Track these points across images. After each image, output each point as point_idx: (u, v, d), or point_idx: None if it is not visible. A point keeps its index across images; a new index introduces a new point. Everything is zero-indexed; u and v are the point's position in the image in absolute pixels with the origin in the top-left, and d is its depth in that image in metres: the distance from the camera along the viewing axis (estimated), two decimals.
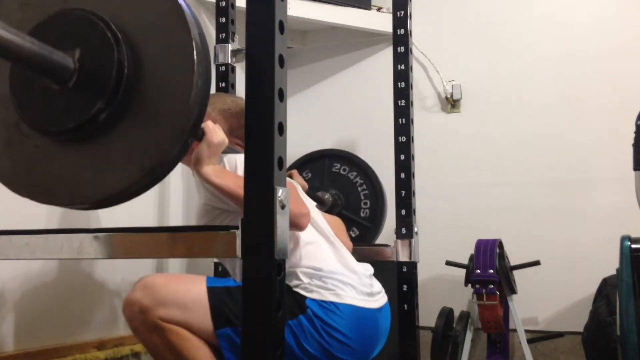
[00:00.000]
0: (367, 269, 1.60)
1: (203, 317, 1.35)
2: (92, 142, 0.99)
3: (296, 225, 1.37)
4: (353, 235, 2.53)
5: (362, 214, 2.56)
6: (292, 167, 2.65)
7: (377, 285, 1.58)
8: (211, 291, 1.37)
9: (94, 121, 0.96)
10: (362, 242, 2.37)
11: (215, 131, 1.34)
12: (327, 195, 2.54)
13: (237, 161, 1.47)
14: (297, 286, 1.44)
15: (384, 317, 1.56)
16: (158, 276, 1.44)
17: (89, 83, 0.96)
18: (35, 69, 0.97)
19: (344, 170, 2.60)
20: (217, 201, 1.48)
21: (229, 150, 1.44)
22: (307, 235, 1.48)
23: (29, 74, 1.01)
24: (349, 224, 2.22)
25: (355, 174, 2.59)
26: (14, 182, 1.07)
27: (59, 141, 1.01)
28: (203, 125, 1.33)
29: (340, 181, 2.61)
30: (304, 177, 2.58)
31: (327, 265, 1.48)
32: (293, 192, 1.35)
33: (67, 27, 0.99)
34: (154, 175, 0.99)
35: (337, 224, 1.85)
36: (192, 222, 2.68)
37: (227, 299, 1.37)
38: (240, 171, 1.44)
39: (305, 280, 1.44)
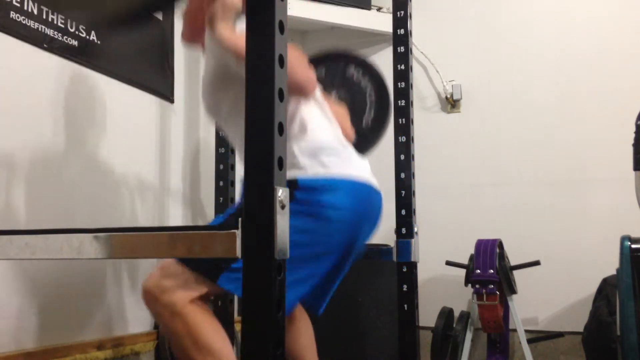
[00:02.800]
0: (363, 159, 1.60)
1: (202, 280, 1.36)
2: None
3: (302, 89, 1.38)
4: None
5: (363, 124, 2.53)
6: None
7: (372, 177, 1.57)
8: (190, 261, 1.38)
9: None
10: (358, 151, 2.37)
11: None
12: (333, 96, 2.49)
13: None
14: (290, 163, 1.41)
15: (376, 196, 1.55)
16: (170, 260, 1.46)
17: None
18: None
19: (357, 77, 2.57)
20: (225, 66, 1.48)
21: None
22: (307, 109, 1.48)
23: None
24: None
25: (367, 79, 2.55)
26: None
27: None
28: None
29: (349, 86, 2.57)
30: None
31: (323, 140, 1.47)
32: (299, 57, 1.38)
33: None
34: None
35: (341, 112, 1.83)
36: (192, 222, 2.69)
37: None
38: None
39: (300, 157, 1.42)
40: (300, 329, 1.70)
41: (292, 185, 1.37)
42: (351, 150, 1.55)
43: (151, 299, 1.39)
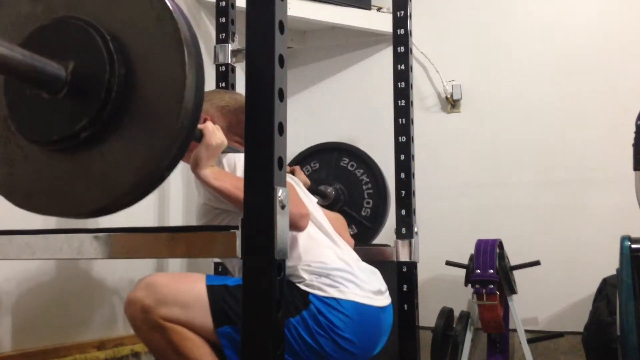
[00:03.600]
0: (373, 269, 1.60)
1: (203, 315, 1.35)
2: (73, 155, 0.98)
3: (295, 226, 1.37)
4: (351, 232, 2.52)
5: (363, 213, 2.56)
6: (301, 156, 2.64)
7: (382, 285, 1.58)
8: (210, 289, 1.37)
9: (77, 137, 0.95)
10: (360, 242, 2.38)
11: (214, 133, 1.34)
12: (330, 189, 2.52)
13: (236, 162, 1.47)
14: (299, 282, 1.44)
15: (387, 316, 1.56)
16: (159, 275, 1.44)
17: (78, 97, 0.95)
18: (26, 81, 0.96)
19: (352, 166, 2.60)
20: (216, 201, 1.48)
21: (228, 149, 1.44)
22: (307, 232, 1.48)
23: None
24: (349, 220, 2.21)
25: (362, 171, 2.58)
26: None
27: (41, 148, 1.01)
28: (202, 126, 1.33)
29: (346, 176, 2.60)
30: (311, 168, 2.57)
31: (329, 262, 1.47)
32: (292, 192, 1.34)
33: (67, 35, 0.98)
34: (131, 196, 0.97)
35: (339, 221, 1.84)
36: (192, 222, 2.68)
37: (227, 297, 1.37)
38: (240, 172, 1.44)
39: (307, 276, 1.44)
40: None
41: (305, 301, 1.40)
42: (357, 266, 1.54)
43: (136, 313, 1.35)
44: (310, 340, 1.37)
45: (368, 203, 2.56)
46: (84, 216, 1.02)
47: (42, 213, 1.05)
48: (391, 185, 2.17)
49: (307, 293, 1.41)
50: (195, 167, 1.34)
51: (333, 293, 1.42)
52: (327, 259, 1.48)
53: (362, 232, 2.54)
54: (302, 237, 1.49)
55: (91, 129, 0.94)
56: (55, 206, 1.01)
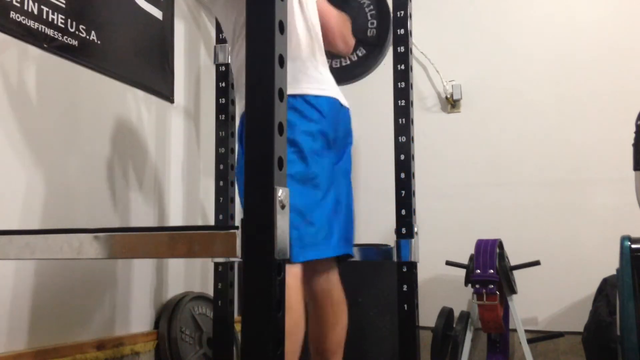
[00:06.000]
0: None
1: None
2: None
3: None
4: (360, 54, 2.57)
5: (369, 34, 2.59)
6: None
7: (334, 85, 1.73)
8: None
9: None
10: (371, 61, 2.46)
11: None
12: None
13: None
14: None
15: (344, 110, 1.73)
16: None
17: None
18: None
19: None
20: None
21: None
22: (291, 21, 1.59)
23: None
24: (356, 44, 2.29)
25: None
26: None
27: None
28: None
29: (348, 3, 2.64)
30: None
31: (297, 56, 1.58)
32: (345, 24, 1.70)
33: None
34: None
35: (344, 22, 1.91)
36: (192, 222, 2.68)
37: None
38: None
39: None
40: (331, 321, 1.71)
41: None
42: (321, 66, 1.67)
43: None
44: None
45: (372, 24, 2.59)
46: None
47: None
48: (391, 185, 2.17)
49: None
50: None
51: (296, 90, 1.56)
52: (296, 51, 1.62)
53: (371, 52, 2.61)
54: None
55: None
56: None
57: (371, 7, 2.61)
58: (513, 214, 2.78)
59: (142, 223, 2.31)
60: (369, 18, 2.60)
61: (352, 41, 1.81)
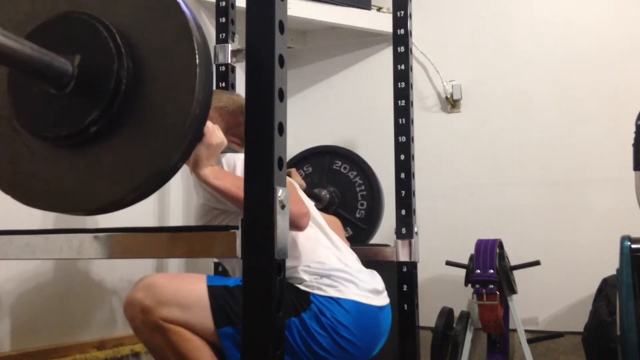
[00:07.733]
0: (372, 271, 1.60)
1: (204, 316, 1.35)
2: (82, 150, 0.97)
3: (296, 225, 1.37)
4: (347, 234, 2.53)
5: (357, 215, 2.56)
6: (294, 160, 2.65)
7: (380, 285, 1.58)
8: (211, 290, 1.37)
9: (86, 131, 0.94)
10: (355, 243, 2.40)
11: (214, 132, 1.33)
12: (324, 192, 2.53)
13: (235, 161, 1.47)
14: (300, 283, 1.44)
15: (386, 316, 1.56)
16: (159, 276, 1.44)
17: (86, 91, 0.94)
18: (33, 74, 0.95)
19: (345, 168, 2.60)
20: (215, 201, 1.48)
21: (227, 150, 1.44)
22: (306, 232, 1.48)
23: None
24: (343, 222, 2.22)
25: (355, 173, 2.59)
26: None
27: (48, 145, 1.00)
28: None
29: (339, 179, 2.60)
30: (304, 172, 2.58)
31: (328, 262, 1.48)
32: (293, 192, 1.35)
33: (72, 30, 0.97)
34: (143, 190, 0.96)
35: (335, 224, 1.85)
36: (192, 222, 2.68)
37: (228, 297, 1.37)
38: (239, 171, 1.44)
39: (307, 277, 1.44)
40: None
41: (306, 301, 1.41)
42: (355, 267, 1.55)
43: (135, 313, 1.35)
44: (311, 341, 1.37)
45: (362, 205, 2.56)
46: (95, 212, 1.01)
47: (51, 210, 1.04)
48: (391, 185, 2.17)
49: (308, 293, 1.41)
50: (195, 167, 1.34)
51: (333, 293, 1.42)
52: (326, 259, 1.49)
53: (357, 234, 2.55)
54: (301, 237, 1.49)
55: (101, 122, 0.94)
56: (65, 202, 1.00)
57: (363, 187, 2.58)
58: (513, 214, 2.78)
59: (142, 223, 2.31)
60: (359, 199, 2.58)
61: (347, 244, 1.74)
